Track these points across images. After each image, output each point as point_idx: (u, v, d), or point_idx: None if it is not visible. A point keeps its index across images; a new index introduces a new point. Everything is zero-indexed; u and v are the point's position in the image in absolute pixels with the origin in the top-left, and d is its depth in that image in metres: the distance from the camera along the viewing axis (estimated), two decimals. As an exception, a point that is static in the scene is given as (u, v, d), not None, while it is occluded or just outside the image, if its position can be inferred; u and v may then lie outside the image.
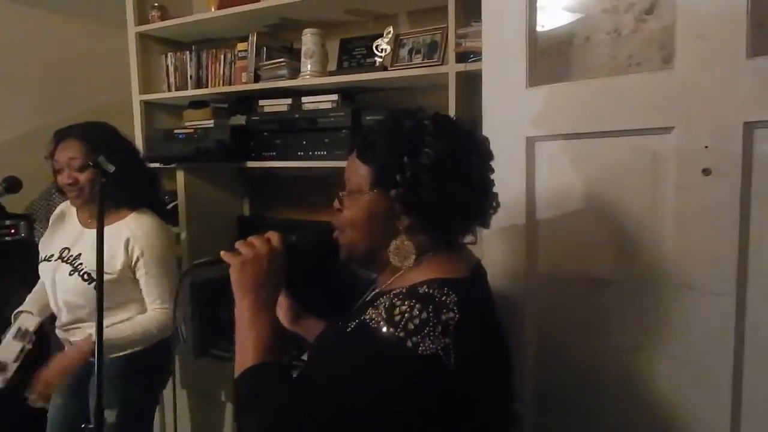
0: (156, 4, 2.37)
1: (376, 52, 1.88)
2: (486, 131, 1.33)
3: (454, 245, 0.93)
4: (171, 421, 2.40)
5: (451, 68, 1.69)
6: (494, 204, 0.95)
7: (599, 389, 1.22)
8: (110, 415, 1.69)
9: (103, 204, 1.46)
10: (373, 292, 0.98)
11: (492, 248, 1.31)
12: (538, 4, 1.26)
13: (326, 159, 1.96)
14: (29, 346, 1.66)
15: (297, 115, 2.04)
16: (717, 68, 1.02)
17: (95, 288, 1.51)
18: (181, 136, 2.22)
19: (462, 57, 1.67)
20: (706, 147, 1.03)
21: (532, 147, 1.27)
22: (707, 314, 1.06)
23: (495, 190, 0.95)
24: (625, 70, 1.27)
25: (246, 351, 0.85)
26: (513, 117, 1.28)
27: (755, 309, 1.02)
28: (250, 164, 2.15)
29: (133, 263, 1.65)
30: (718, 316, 1.04)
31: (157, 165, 2.34)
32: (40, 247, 1.79)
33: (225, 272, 0.92)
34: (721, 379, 1.05)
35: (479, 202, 0.92)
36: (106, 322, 1.64)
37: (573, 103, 1.21)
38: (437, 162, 0.85)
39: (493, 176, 0.94)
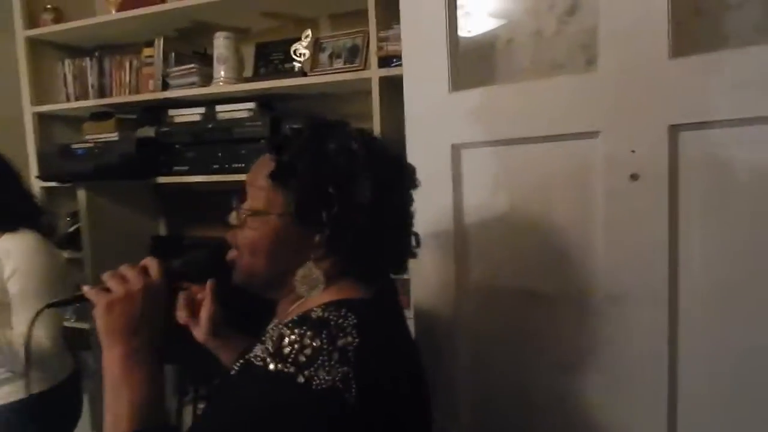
0: (49, 6, 2.13)
1: (294, 56, 1.76)
2: (410, 139, 1.25)
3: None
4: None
5: (374, 73, 1.60)
6: (417, 242, 0.86)
7: (533, 406, 1.16)
8: None
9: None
10: (273, 323, 0.85)
11: (419, 260, 1.23)
12: (464, 10, 1.20)
13: (244, 172, 1.80)
14: None
15: (211, 125, 1.88)
16: (640, 70, 0.98)
17: None
18: (79, 151, 1.99)
19: (385, 61, 1.58)
20: (633, 151, 0.99)
21: (459, 154, 1.19)
22: (639, 326, 1.02)
23: (416, 207, 0.84)
24: (549, 72, 1.22)
25: (117, 415, 0.69)
26: (437, 123, 1.20)
27: (687, 318, 0.98)
28: (161, 180, 1.96)
29: (5, 281, 1.44)
30: (651, 328, 1.00)
31: (53, 184, 2.11)
32: None
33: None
34: (656, 393, 1.01)
35: (408, 240, 0.83)
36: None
37: (497, 108, 1.14)
38: (373, 200, 0.73)
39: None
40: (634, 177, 0.99)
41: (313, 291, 0.75)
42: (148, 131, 2.05)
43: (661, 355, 1.00)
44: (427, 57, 1.21)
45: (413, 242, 0.85)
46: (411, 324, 1.18)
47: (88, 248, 2.11)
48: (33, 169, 2.16)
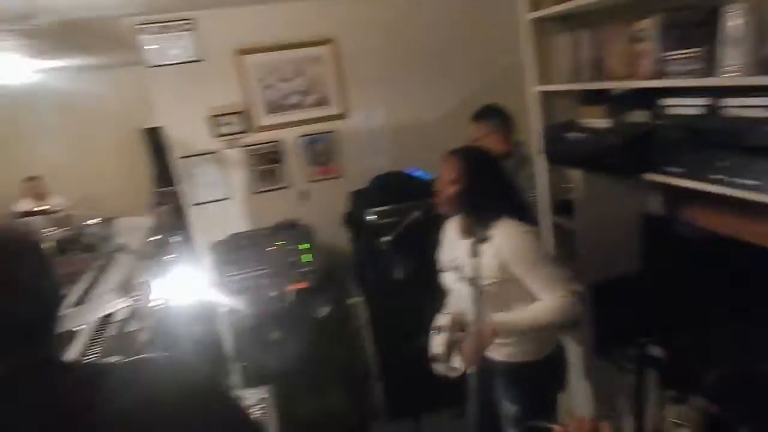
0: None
1: None
2: None
3: None
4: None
5: None
6: None
7: None
8: (512, 409, 1.92)
9: (476, 261, 1.54)
10: None
11: None
12: None
13: (756, 191, 1.41)
14: (448, 336, 1.88)
15: (714, 125, 1.52)
16: None
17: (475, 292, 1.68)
18: (571, 139, 2.04)
19: None
20: None
21: None
22: None
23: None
24: None
25: None
26: None
27: None
28: (648, 177, 1.78)
29: (504, 265, 1.73)
30: None
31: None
32: (439, 257, 2.05)
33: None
34: None
35: None
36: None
37: None
38: None
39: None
40: None
41: None
42: (640, 116, 1.85)
43: None
44: None
45: None
46: None
47: (580, 222, 2.23)
48: (536, 145, 2.38)
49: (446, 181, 1.78)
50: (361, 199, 2.99)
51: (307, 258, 2.79)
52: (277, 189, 3.17)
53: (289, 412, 2.25)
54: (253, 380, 2.69)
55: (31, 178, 5.11)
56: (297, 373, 2.76)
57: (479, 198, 1.76)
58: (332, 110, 3.14)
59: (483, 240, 1.55)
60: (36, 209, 4.63)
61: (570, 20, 2.21)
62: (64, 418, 0.77)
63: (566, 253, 2.40)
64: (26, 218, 4.42)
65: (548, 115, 2.35)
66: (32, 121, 5.55)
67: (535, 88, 2.33)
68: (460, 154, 1.81)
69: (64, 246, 3.93)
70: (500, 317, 1.73)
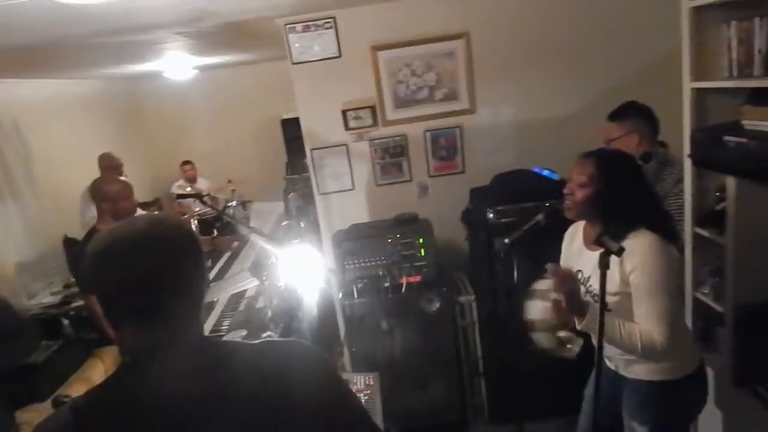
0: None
1: None
2: None
3: None
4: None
5: None
6: None
7: None
8: (641, 431, 1.76)
9: (605, 274, 1.44)
10: None
11: None
12: None
13: None
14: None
15: None
16: None
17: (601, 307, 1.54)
18: (731, 144, 1.79)
19: None
20: None
21: None
22: None
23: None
24: None
25: None
26: None
27: None
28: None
29: (626, 277, 1.61)
30: None
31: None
32: (561, 264, 1.92)
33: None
34: None
35: None
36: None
37: None
38: None
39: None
40: None
41: None
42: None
43: None
44: None
45: None
46: None
47: (733, 236, 1.96)
48: (686, 148, 2.13)
49: (577, 184, 1.68)
50: (482, 196, 2.92)
51: (422, 252, 2.79)
52: (399, 182, 3.22)
53: (393, 400, 2.27)
54: (360, 366, 2.76)
55: (186, 162, 5.76)
56: (403, 364, 2.79)
57: (613, 205, 1.63)
58: (460, 105, 3.11)
59: (617, 252, 1.41)
60: (189, 192, 5.21)
61: (737, 7, 1.94)
62: (196, 392, 0.83)
63: (709, 270, 2.13)
64: (182, 199, 4.98)
65: (701, 115, 2.08)
66: (189, 112, 6.26)
67: (690, 85, 2.08)
68: (594, 157, 1.68)
69: (209, 225, 4.37)
70: (594, 311, 1.58)
